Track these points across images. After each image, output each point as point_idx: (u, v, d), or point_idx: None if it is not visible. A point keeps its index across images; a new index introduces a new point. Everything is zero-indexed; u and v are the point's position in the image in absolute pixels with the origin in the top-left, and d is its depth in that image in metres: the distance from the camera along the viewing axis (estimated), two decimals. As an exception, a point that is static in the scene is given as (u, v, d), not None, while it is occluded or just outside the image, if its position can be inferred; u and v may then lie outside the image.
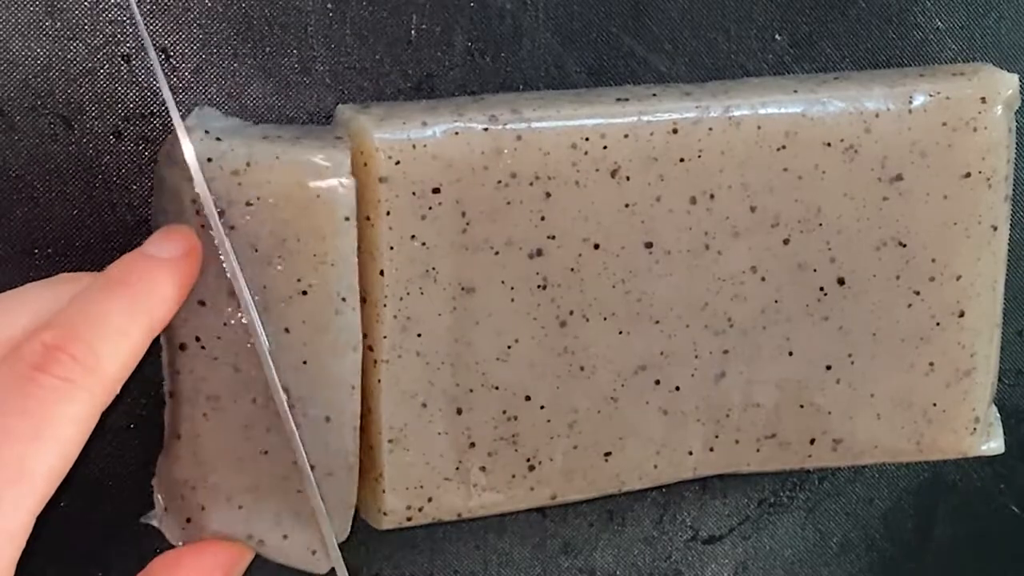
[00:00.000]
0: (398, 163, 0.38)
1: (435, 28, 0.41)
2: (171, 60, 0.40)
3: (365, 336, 0.39)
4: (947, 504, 0.50)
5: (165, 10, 0.39)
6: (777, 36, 0.44)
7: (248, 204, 0.36)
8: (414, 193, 0.38)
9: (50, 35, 0.38)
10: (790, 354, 0.42)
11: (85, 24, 0.39)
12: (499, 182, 0.39)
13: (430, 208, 0.38)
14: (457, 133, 0.38)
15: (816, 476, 0.48)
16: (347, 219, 0.37)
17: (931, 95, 0.41)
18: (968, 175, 0.41)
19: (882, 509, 0.50)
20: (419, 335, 0.39)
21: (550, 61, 0.42)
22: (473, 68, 0.42)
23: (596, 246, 0.40)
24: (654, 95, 0.40)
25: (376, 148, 0.38)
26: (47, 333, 0.33)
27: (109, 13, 0.39)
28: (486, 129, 0.38)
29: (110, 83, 0.39)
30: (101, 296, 0.34)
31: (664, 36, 0.43)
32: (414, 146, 0.38)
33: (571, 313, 0.40)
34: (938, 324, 0.42)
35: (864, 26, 0.44)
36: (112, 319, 0.34)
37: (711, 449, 0.43)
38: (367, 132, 0.38)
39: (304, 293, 0.37)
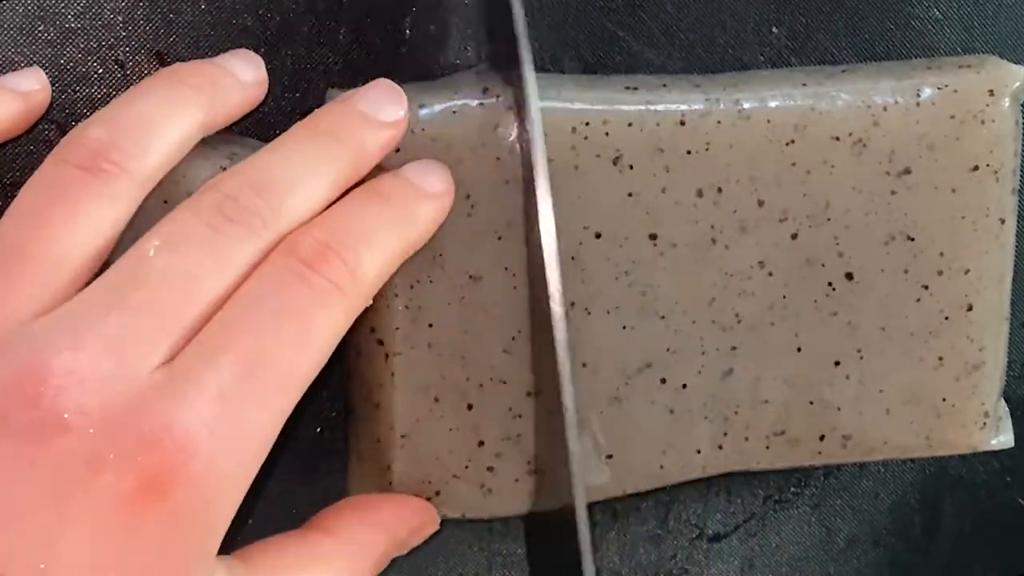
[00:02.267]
0: (398, 150, 0.37)
1: (429, 26, 0.41)
2: (166, 63, 0.39)
3: (374, 330, 0.38)
4: (953, 498, 0.50)
5: (157, 14, 0.39)
6: (774, 29, 0.44)
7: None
8: None
9: (43, 40, 0.38)
10: (798, 350, 0.42)
11: (78, 28, 0.38)
12: (497, 158, 0.38)
13: None
14: (454, 112, 0.38)
15: (821, 472, 0.48)
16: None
17: (939, 88, 0.41)
18: (976, 168, 0.41)
19: (888, 504, 0.49)
20: (430, 325, 0.39)
21: (545, 57, 0.42)
22: (468, 65, 0.41)
23: (597, 235, 0.39)
24: (664, 85, 0.40)
25: None
26: (317, 230, 0.32)
27: (102, 17, 0.38)
28: (481, 104, 0.38)
29: (104, 88, 0.39)
30: (368, 208, 0.34)
31: (659, 30, 0.43)
32: (412, 131, 0.38)
33: (572, 305, 0.40)
34: (947, 318, 0.42)
35: (862, 17, 0.44)
36: (379, 234, 0.34)
37: (720, 447, 0.42)
38: None
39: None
